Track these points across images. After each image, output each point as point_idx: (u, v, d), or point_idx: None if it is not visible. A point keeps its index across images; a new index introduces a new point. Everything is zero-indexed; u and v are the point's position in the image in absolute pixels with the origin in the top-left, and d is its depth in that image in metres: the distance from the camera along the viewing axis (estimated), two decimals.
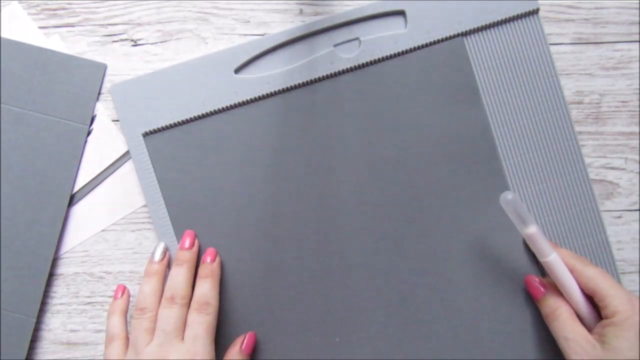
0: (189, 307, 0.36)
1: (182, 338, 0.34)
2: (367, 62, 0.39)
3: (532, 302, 0.38)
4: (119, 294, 0.38)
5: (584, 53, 0.40)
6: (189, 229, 0.38)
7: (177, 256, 0.37)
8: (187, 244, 0.37)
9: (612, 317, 0.32)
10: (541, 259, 0.34)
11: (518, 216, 0.34)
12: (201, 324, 0.35)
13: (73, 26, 0.40)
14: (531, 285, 0.37)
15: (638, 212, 0.40)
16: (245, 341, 0.37)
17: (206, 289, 0.36)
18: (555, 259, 0.34)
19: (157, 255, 0.38)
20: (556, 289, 0.35)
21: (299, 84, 0.39)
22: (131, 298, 0.39)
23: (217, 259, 0.38)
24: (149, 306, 0.36)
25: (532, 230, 0.34)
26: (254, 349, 0.37)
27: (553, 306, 0.35)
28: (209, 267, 0.37)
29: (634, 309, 0.32)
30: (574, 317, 0.34)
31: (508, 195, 0.33)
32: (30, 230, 0.39)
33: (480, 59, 0.39)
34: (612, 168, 0.40)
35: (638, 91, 0.40)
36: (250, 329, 0.38)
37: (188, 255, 0.37)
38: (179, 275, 0.36)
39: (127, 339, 0.36)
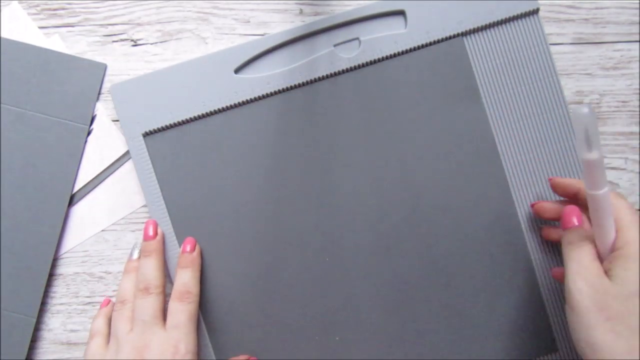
0: (164, 295, 0.36)
1: (162, 326, 0.35)
2: (367, 62, 0.39)
3: (532, 302, 0.38)
4: (105, 304, 0.39)
5: (584, 53, 0.40)
6: (151, 219, 0.38)
7: (143, 247, 0.37)
8: (150, 232, 0.38)
9: (621, 249, 0.30)
10: (592, 191, 0.30)
11: (586, 136, 0.29)
12: (183, 312, 0.35)
13: (73, 26, 0.40)
14: (570, 214, 0.33)
15: (638, 212, 0.40)
16: None
17: (187, 278, 0.36)
18: (606, 194, 0.30)
19: (135, 254, 0.39)
20: (589, 227, 0.33)
21: (299, 84, 0.39)
22: None
23: (197, 248, 0.38)
24: (129, 298, 0.36)
25: (595, 156, 0.29)
26: None
27: (582, 237, 0.32)
28: (189, 257, 0.37)
29: None
30: (596, 255, 0.31)
31: (584, 109, 0.28)
32: (30, 230, 0.39)
33: (480, 59, 0.39)
34: (612, 168, 0.40)
35: (638, 91, 0.40)
36: (249, 328, 0.38)
37: (154, 245, 0.37)
38: (149, 266, 0.36)
39: (109, 335, 0.36)
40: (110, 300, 0.39)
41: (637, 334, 0.27)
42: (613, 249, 0.30)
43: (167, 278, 0.38)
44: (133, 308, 0.36)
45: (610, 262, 0.30)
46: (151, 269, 0.36)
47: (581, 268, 0.30)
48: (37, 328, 0.39)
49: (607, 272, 0.29)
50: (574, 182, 0.35)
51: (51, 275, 0.39)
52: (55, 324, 0.40)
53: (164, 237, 0.38)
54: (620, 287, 0.28)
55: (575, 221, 0.33)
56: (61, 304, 0.40)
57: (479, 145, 0.39)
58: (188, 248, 0.37)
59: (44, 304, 0.39)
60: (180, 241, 0.38)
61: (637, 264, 0.28)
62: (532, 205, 0.38)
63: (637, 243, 0.29)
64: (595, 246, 0.31)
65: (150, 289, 0.35)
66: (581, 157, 0.29)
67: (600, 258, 0.31)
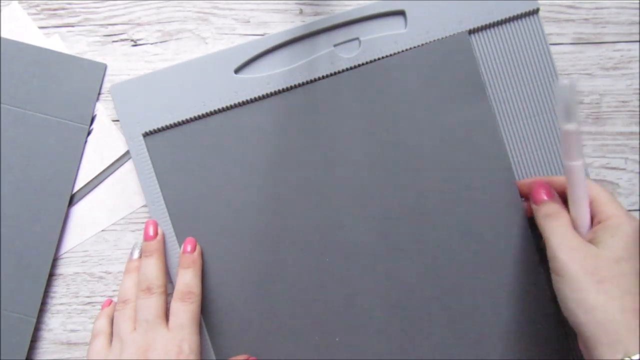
0: (166, 294, 0.36)
1: (165, 326, 0.35)
2: (367, 62, 0.39)
3: (533, 302, 0.38)
4: (107, 304, 0.39)
5: (584, 53, 0.40)
6: (151, 219, 0.38)
7: (143, 247, 0.37)
8: (150, 232, 0.38)
9: (607, 221, 0.31)
10: (568, 162, 0.32)
11: (566, 107, 0.30)
12: (185, 312, 0.35)
13: (73, 26, 0.40)
14: (538, 188, 0.34)
15: (638, 212, 0.40)
16: None
17: (188, 278, 0.36)
18: (580, 166, 0.31)
19: (135, 254, 0.39)
20: (560, 201, 0.34)
21: (299, 83, 0.39)
22: None
23: (198, 248, 0.38)
24: (130, 297, 0.36)
25: (572, 127, 0.31)
26: None
27: (556, 208, 0.33)
28: (190, 257, 0.37)
29: (630, 219, 0.31)
30: (571, 226, 0.32)
31: (565, 81, 0.30)
32: (30, 230, 0.39)
33: (480, 59, 0.39)
34: (612, 168, 0.40)
35: (638, 91, 0.40)
36: (249, 329, 0.38)
37: (154, 245, 0.37)
38: (150, 266, 0.36)
39: (111, 335, 0.36)
40: (112, 301, 0.39)
41: (628, 294, 0.28)
42: (589, 221, 0.32)
43: (167, 278, 0.38)
44: (135, 308, 0.36)
45: (595, 232, 0.31)
46: (153, 268, 0.36)
47: (565, 236, 0.31)
48: (37, 328, 0.39)
49: (591, 241, 0.31)
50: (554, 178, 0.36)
51: (51, 275, 0.39)
52: (55, 324, 0.40)
53: (164, 237, 0.38)
54: (609, 252, 0.30)
55: (544, 195, 0.34)
56: (61, 304, 0.40)
57: (482, 144, 0.39)
58: (189, 248, 0.37)
59: (44, 304, 0.39)
60: (181, 241, 0.38)
61: (622, 232, 0.30)
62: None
63: (619, 216, 0.31)
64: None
65: (152, 289, 0.35)
66: (560, 127, 0.31)
67: (573, 222, 0.32)
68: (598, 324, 0.28)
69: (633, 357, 0.27)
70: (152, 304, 0.35)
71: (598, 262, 0.30)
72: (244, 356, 0.38)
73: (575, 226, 0.33)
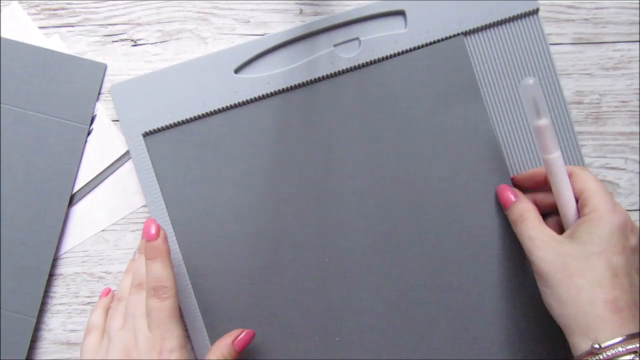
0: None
1: None
2: (367, 62, 0.39)
3: (533, 301, 0.38)
4: (104, 294, 0.38)
5: (584, 53, 0.40)
6: (151, 218, 0.36)
7: (145, 249, 0.35)
8: (152, 231, 0.35)
9: (589, 214, 0.32)
10: (544, 155, 0.33)
11: (534, 105, 0.32)
12: (161, 310, 0.33)
13: (73, 26, 0.40)
14: (502, 193, 0.37)
15: (638, 212, 0.40)
16: (240, 337, 0.36)
17: (157, 270, 0.34)
18: (558, 157, 0.33)
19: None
20: (526, 197, 0.36)
21: (299, 84, 0.39)
22: None
23: (162, 233, 0.34)
24: (125, 296, 0.36)
25: (544, 122, 0.32)
26: (246, 348, 0.36)
27: (521, 210, 0.35)
28: (155, 246, 0.34)
29: (615, 212, 0.32)
30: (540, 219, 0.34)
31: (529, 80, 0.32)
32: (30, 230, 0.39)
33: (480, 59, 0.39)
34: (612, 168, 0.40)
35: (638, 91, 0.40)
36: (250, 328, 0.38)
37: (159, 246, 0.35)
38: (156, 269, 0.35)
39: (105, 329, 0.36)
40: (110, 290, 0.39)
41: (598, 286, 0.30)
42: (574, 209, 0.33)
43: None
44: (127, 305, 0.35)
45: (576, 226, 0.32)
46: (160, 272, 0.34)
47: (535, 239, 0.33)
48: (37, 328, 0.39)
49: (572, 235, 0.32)
50: (534, 170, 0.37)
51: (51, 275, 0.39)
52: (55, 324, 0.40)
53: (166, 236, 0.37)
54: (582, 247, 0.31)
55: (511, 196, 0.36)
56: (61, 304, 0.40)
57: (479, 145, 0.39)
58: (153, 232, 0.34)
59: (44, 304, 0.39)
60: (181, 241, 0.38)
61: (599, 228, 0.31)
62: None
63: (601, 210, 0.32)
64: (536, 209, 0.34)
65: (143, 284, 0.35)
66: (532, 124, 0.33)
67: (561, 220, 0.34)
68: (570, 316, 0.30)
69: (603, 345, 0.29)
70: (142, 299, 0.34)
71: (567, 258, 0.31)
72: (237, 331, 0.37)
73: (561, 215, 0.34)
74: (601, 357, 0.28)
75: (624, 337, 0.29)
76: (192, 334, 0.38)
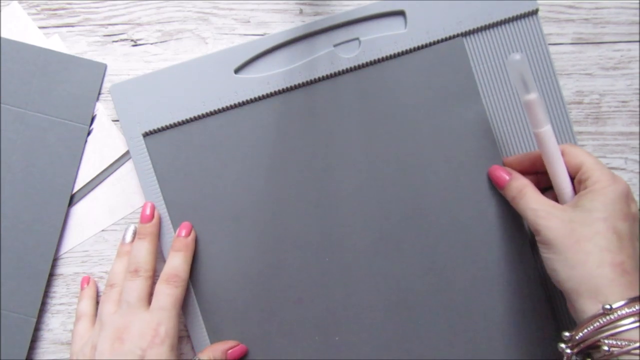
0: (153, 279, 0.36)
1: (147, 309, 0.35)
2: (367, 62, 0.39)
3: (537, 303, 0.38)
4: (85, 284, 0.39)
5: (584, 53, 0.40)
6: (149, 201, 0.38)
7: (138, 230, 0.37)
8: (147, 212, 0.38)
9: (592, 186, 0.32)
10: (535, 130, 0.34)
11: (521, 80, 0.33)
12: (168, 295, 0.35)
13: (73, 26, 0.40)
14: (496, 173, 0.37)
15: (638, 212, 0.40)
16: (235, 348, 0.37)
17: (177, 262, 0.36)
18: (548, 130, 0.33)
19: (128, 238, 0.39)
20: (520, 175, 0.36)
21: (299, 84, 0.39)
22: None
23: (192, 234, 0.38)
24: (118, 282, 0.36)
25: (532, 96, 0.33)
26: None
27: (519, 187, 0.35)
28: (183, 241, 0.37)
29: (616, 181, 0.32)
30: (539, 192, 0.34)
31: (516, 56, 0.32)
32: (30, 230, 0.39)
33: (480, 59, 0.39)
34: (612, 168, 0.40)
35: (638, 91, 0.40)
36: (250, 328, 0.38)
37: (149, 228, 0.37)
38: (142, 249, 0.36)
39: (95, 316, 0.37)
40: (89, 278, 0.39)
41: (606, 250, 0.30)
42: (568, 181, 0.34)
43: (157, 263, 0.38)
44: (120, 291, 0.36)
45: (579, 198, 0.33)
46: (144, 252, 0.36)
47: (538, 210, 0.33)
48: (37, 328, 0.39)
49: (575, 204, 0.33)
50: (523, 154, 0.38)
51: (51, 275, 0.39)
52: (55, 324, 0.40)
53: (160, 220, 0.38)
54: (587, 214, 0.32)
55: (504, 175, 0.36)
56: (61, 304, 0.40)
57: (479, 145, 0.39)
58: (183, 233, 0.37)
59: (44, 304, 0.39)
60: None
61: (603, 195, 0.32)
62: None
63: (604, 181, 0.32)
64: (533, 181, 0.35)
65: (140, 271, 0.36)
66: (522, 100, 0.33)
67: (556, 193, 0.34)
68: (578, 278, 0.31)
69: (614, 306, 0.29)
70: (137, 285, 0.35)
71: (573, 224, 0.32)
72: (234, 342, 0.38)
73: (556, 189, 0.34)
74: (612, 317, 0.29)
75: (628, 299, 0.29)
76: (192, 334, 0.38)
